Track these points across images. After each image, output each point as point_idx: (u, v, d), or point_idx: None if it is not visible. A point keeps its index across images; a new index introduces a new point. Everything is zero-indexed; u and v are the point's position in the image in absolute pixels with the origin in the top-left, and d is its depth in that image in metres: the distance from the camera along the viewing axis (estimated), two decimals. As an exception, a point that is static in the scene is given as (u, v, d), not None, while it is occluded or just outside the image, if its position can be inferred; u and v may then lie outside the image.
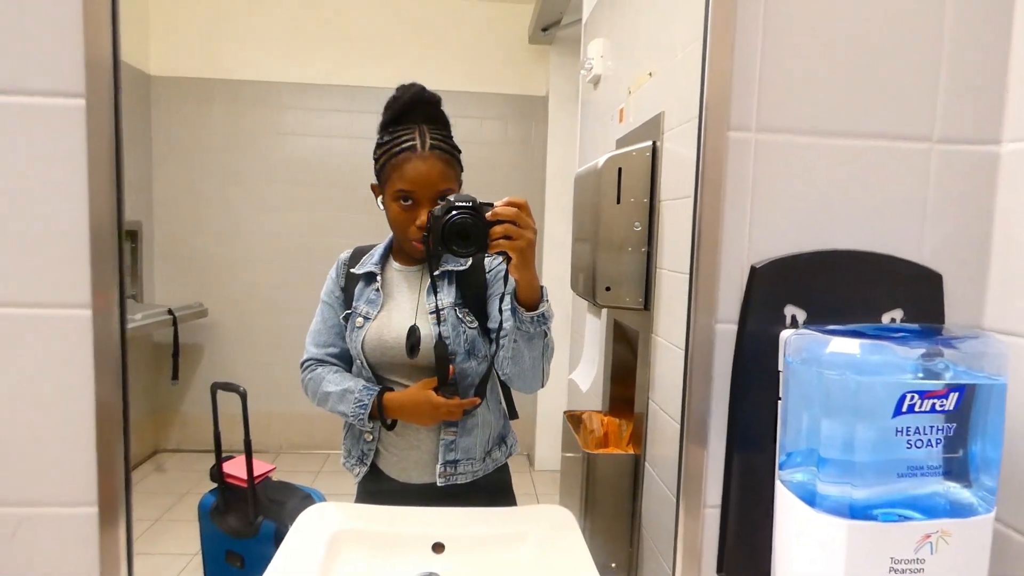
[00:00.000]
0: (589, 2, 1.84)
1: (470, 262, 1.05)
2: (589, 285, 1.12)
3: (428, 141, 0.98)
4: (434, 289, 1.02)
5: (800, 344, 0.67)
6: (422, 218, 0.97)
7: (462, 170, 1.04)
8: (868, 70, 0.75)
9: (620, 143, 1.31)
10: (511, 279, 0.90)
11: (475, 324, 1.03)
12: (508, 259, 0.86)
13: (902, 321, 0.73)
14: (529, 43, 2.74)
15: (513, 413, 1.13)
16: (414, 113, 1.00)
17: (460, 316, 1.02)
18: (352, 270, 1.08)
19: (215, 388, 1.25)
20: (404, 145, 0.98)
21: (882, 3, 0.74)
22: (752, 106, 0.74)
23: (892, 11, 0.74)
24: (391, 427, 1.03)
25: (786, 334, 0.70)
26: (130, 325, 0.69)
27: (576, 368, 1.31)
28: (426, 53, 2.82)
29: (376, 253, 1.09)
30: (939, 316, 0.75)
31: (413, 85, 1.01)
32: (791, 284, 0.73)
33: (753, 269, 0.73)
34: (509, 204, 0.86)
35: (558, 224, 2.63)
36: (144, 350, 2.41)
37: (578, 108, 1.90)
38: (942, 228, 0.76)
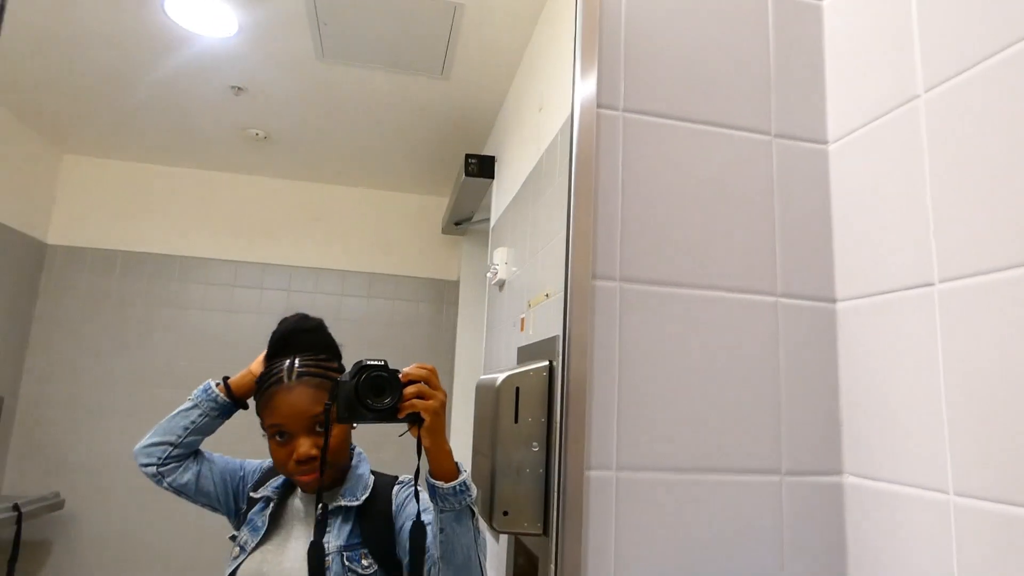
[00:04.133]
0: (496, 209, 2.00)
1: (368, 493, 0.98)
2: (487, 507, 1.08)
3: (296, 371, 0.96)
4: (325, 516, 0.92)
5: None
6: (300, 449, 0.92)
7: None
8: (719, 409, 0.84)
9: (521, 352, 1.35)
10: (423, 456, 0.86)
11: (371, 570, 0.92)
12: (419, 423, 0.83)
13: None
14: (442, 233, 2.90)
15: None
16: (290, 347, 1.00)
17: (348, 562, 0.90)
18: (252, 494, 1.00)
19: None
20: (271, 380, 0.97)
21: (730, 353, 0.86)
22: (612, 446, 0.79)
23: (736, 357, 0.86)
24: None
25: None
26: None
27: (474, 593, 1.20)
28: (339, 236, 2.91)
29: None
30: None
31: (294, 316, 1.02)
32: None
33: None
34: (419, 367, 0.85)
35: (464, 406, 2.59)
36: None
37: (486, 302, 1.98)
38: (799, 561, 0.81)
